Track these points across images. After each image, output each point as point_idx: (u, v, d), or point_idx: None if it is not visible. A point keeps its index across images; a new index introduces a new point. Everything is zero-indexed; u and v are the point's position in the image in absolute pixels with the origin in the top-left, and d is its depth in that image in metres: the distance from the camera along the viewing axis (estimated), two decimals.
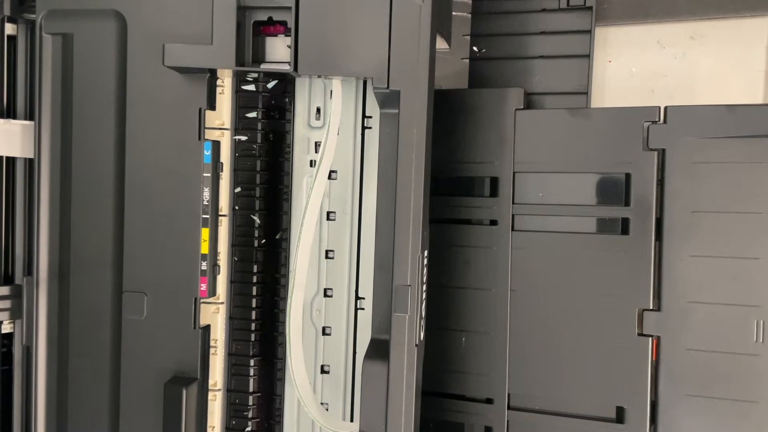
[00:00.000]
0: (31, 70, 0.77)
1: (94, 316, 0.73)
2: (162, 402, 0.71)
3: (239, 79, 0.75)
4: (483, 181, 0.80)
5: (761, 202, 0.72)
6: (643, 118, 0.75)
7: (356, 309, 0.77)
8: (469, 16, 0.87)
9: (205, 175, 0.70)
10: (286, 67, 0.68)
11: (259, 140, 0.77)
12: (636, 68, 0.85)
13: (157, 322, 0.72)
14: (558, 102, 0.84)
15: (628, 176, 0.76)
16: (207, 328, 0.74)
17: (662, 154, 0.75)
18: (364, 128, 0.75)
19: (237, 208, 0.77)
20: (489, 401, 0.81)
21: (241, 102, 0.76)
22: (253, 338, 0.79)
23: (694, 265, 0.74)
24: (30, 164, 0.77)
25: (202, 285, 0.71)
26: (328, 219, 0.77)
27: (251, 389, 0.79)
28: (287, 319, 0.71)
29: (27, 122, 0.76)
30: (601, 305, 0.77)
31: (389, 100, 0.67)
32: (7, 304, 0.77)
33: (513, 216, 0.79)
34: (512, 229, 0.79)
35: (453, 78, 0.87)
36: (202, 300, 0.72)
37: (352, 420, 0.78)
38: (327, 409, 0.78)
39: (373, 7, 0.66)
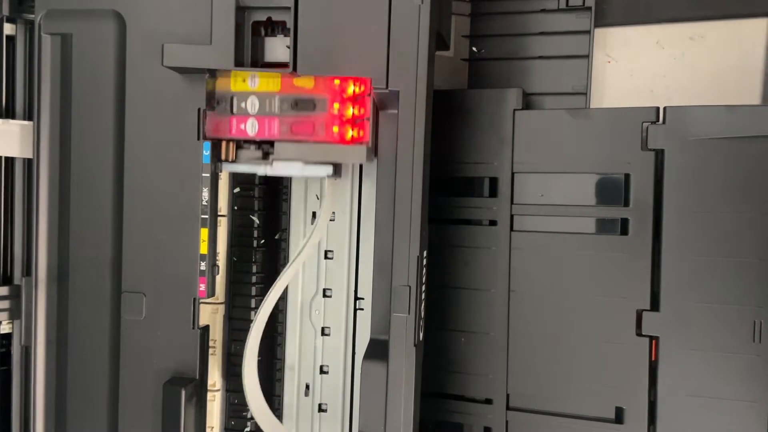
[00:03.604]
0: (30, 70, 0.77)
1: (92, 317, 0.73)
2: (161, 402, 0.71)
3: None
4: (482, 182, 0.80)
5: (759, 203, 0.72)
6: (642, 119, 0.75)
7: (355, 309, 0.77)
8: (469, 16, 0.87)
9: (204, 175, 0.70)
10: (285, 68, 0.68)
11: None
12: (635, 69, 0.85)
13: (156, 323, 0.72)
14: (557, 102, 0.84)
15: (627, 177, 0.76)
16: (206, 329, 0.74)
17: (661, 154, 0.75)
18: None
19: (236, 208, 0.77)
20: (488, 401, 0.81)
21: None
22: None
23: (693, 265, 0.74)
24: (29, 164, 0.77)
25: (201, 285, 0.71)
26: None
27: None
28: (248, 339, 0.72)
29: (26, 122, 0.76)
30: (600, 306, 0.77)
31: (388, 100, 0.67)
32: (6, 304, 0.77)
33: (512, 216, 0.79)
34: (511, 230, 0.79)
35: (452, 78, 0.87)
36: (201, 300, 0.72)
37: (351, 420, 0.78)
38: (326, 410, 0.79)
39: (373, 8, 0.66)
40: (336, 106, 0.67)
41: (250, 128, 0.69)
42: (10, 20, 0.77)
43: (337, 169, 0.71)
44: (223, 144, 0.70)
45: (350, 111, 0.68)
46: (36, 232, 0.73)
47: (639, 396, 0.76)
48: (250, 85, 0.69)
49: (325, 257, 0.77)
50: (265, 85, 0.69)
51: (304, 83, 0.68)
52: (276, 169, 0.69)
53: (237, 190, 0.77)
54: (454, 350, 0.81)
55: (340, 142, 0.67)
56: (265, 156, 0.70)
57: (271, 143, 0.69)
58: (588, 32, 0.83)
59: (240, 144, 0.71)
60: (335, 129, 0.67)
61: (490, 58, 0.87)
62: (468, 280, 0.81)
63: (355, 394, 0.77)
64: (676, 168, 0.74)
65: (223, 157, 0.70)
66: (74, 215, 0.73)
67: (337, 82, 0.67)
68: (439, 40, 0.73)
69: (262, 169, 0.70)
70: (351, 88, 0.67)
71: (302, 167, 0.69)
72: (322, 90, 0.68)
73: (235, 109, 0.70)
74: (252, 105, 0.69)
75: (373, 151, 0.69)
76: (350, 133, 0.68)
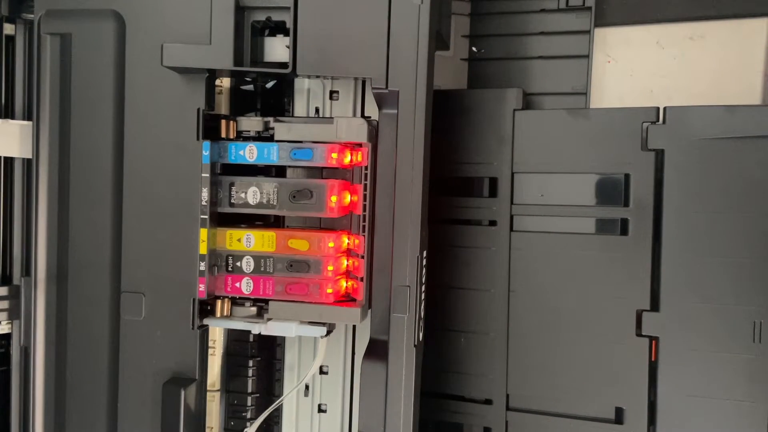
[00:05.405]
0: (30, 70, 0.77)
1: (92, 317, 0.73)
2: (160, 403, 0.71)
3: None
4: (482, 182, 0.80)
5: (760, 203, 0.72)
6: (642, 119, 0.75)
7: None
8: (469, 16, 0.87)
9: (203, 175, 0.70)
10: (285, 68, 0.68)
11: None
12: (635, 69, 0.85)
13: (156, 323, 0.72)
14: (557, 102, 0.84)
15: (627, 177, 0.76)
16: (206, 329, 0.74)
17: (661, 154, 0.75)
18: None
19: None
20: (488, 402, 0.81)
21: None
22: (251, 339, 0.79)
23: (693, 265, 0.74)
24: (28, 164, 0.77)
25: (200, 285, 0.70)
26: None
27: (250, 390, 0.79)
28: None
29: (25, 122, 0.76)
30: (599, 306, 0.77)
31: (388, 100, 0.67)
32: (5, 304, 0.77)
33: (512, 216, 0.79)
34: (511, 230, 0.79)
35: (452, 78, 0.87)
36: (200, 300, 0.72)
37: (351, 420, 0.78)
38: (325, 411, 0.78)
39: (372, 8, 0.66)
40: (330, 267, 0.69)
41: (245, 287, 0.71)
42: (9, 20, 0.77)
43: (331, 328, 0.73)
44: (219, 302, 0.71)
45: (344, 264, 0.70)
46: (35, 232, 0.73)
47: (639, 396, 0.76)
48: (246, 245, 0.71)
49: None
50: (260, 245, 0.70)
51: (299, 245, 0.69)
52: (270, 328, 0.70)
53: None
54: (454, 350, 0.81)
55: (334, 303, 0.69)
56: (260, 313, 0.72)
57: (266, 300, 0.71)
58: (588, 32, 0.83)
59: (235, 300, 0.72)
60: (329, 290, 0.69)
61: (490, 58, 0.87)
62: (468, 280, 0.80)
63: (355, 394, 0.77)
64: (676, 168, 0.74)
65: (218, 314, 0.71)
66: (74, 215, 0.73)
67: (331, 244, 0.69)
68: (438, 40, 0.72)
69: (257, 328, 0.71)
70: (345, 242, 0.70)
71: (296, 327, 0.70)
72: (316, 252, 0.69)
73: (230, 268, 0.71)
74: (247, 264, 0.71)
75: (368, 307, 0.70)
76: (344, 285, 0.70)
